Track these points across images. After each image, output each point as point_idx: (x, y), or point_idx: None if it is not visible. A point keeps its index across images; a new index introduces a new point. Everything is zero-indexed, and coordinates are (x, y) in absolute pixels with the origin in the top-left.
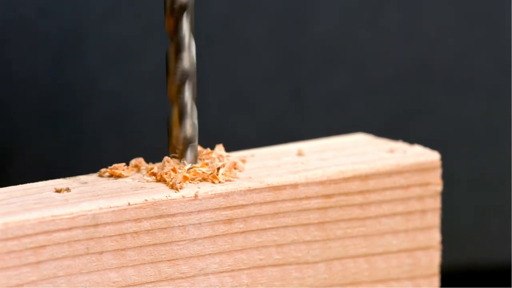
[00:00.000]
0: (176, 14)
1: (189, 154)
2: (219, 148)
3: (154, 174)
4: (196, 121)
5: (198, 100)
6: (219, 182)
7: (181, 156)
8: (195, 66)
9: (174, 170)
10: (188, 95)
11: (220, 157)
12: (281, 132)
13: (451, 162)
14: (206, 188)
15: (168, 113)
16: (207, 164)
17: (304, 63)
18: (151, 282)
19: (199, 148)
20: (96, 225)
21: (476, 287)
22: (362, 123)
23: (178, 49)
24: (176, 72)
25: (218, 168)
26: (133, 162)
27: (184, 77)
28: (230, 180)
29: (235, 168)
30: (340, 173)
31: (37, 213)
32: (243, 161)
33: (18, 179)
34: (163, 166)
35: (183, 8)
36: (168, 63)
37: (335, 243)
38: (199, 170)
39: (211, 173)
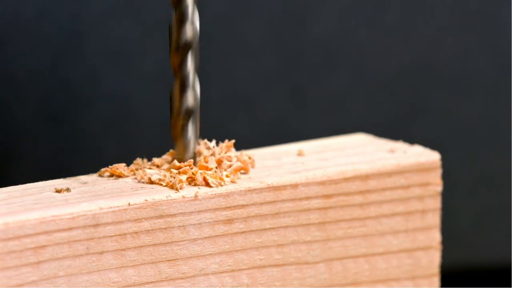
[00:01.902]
0: (181, 51)
1: (190, 127)
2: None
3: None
4: (198, 93)
5: None
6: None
7: (182, 130)
8: (199, 103)
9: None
10: (190, 65)
11: (228, 158)
12: (281, 132)
13: (451, 162)
14: (206, 189)
15: (171, 84)
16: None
17: (304, 63)
18: (151, 282)
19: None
20: (96, 225)
21: (476, 287)
22: (362, 123)
23: (183, 86)
24: (181, 109)
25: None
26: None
27: (189, 114)
28: (234, 182)
29: (245, 170)
30: (341, 173)
31: (37, 213)
32: (250, 158)
33: (19, 179)
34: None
35: (188, 46)
36: (173, 101)
37: (335, 243)
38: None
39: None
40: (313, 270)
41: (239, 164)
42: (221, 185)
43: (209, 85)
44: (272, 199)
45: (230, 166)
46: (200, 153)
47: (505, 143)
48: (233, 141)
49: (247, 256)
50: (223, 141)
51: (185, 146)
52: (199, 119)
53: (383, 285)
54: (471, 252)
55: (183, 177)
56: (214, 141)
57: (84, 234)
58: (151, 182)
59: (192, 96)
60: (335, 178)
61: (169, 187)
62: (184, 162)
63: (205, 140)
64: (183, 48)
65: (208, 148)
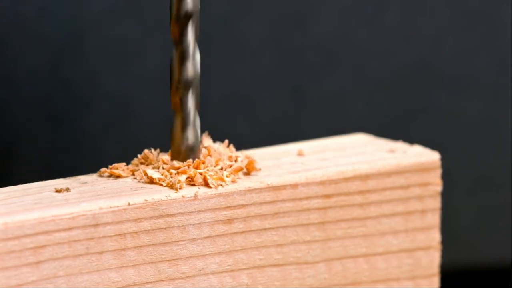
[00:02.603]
0: (182, 22)
1: (190, 98)
2: (228, 148)
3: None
4: (198, 130)
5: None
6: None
7: (181, 100)
8: (199, 74)
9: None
10: (191, 103)
11: (230, 158)
12: (281, 132)
13: (451, 162)
14: (206, 188)
15: (171, 121)
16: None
17: (304, 63)
18: (151, 282)
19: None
20: (96, 225)
21: (476, 287)
22: (362, 123)
23: (183, 57)
24: (180, 80)
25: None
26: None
27: (188, 85)
28: (234, 182)
29: (249, 170)
30: (340, 173)
31: (37, 213)
32: (249, 157)
33: (18, 179)
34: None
35: (188, 16)
36: (172, 71)
37: (335, 243)
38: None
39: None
40: (313, 270)
41: (239, 164)
42: (221, 186)
43: (209, 85)
44: (272, 199)
45: (230, 166)
46: (201, 152)
47: (505, 143)
48: (226, 141)
49: (247, 256)
50: (223, 141)
51: (185, 118)
52: (199, 92)
53: (383, 285)
54: (471, 252)
55: (182, 177)
56: (218, 143)
57: (84, 234)
58: (151, 182)
59: (192, 66)
60: (335, 178)
61: (169, 187)
62: (183, 139)
63: (206, 132)
64: (184, 19)
65: (209, 147)
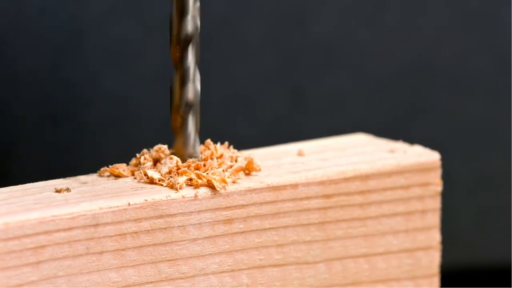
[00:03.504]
0: (182, 45)
1: (190, 121)
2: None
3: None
4: (198, 87)
5: None
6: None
7: (182, 124)
8: (199, 98)
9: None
10: (191, 126)
11: (231, 158)
12: (281, 132)
13: (451, 162)
14: (206, 189)
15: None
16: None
17: (304, 63)
18: (151, 282)
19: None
20: (96, 225)
21: (476, 287)
22: (362, 123)
23: (183, 80)
24: (181, 104)
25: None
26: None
27: (189, 108)
28: (236, 182)
29: (249, 170)
30: (340, 173)
31: (37, 213)
32: (249, 157)
33: (18, 179)
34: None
35: (188, 39)
36: (173, 95)
37: (335, 243)
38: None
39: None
40: (313, 270)
41: (240, 164)
42: (224, 189)
43: (209, 85)
44: (272, 199)
45: (231, 166)
46: (202, 153)
47: (505, 143)
48: (226, 142)
49: (247, 256)
50: (223, 141)
51: (185, 140)
52: (199, 114)
53: (383, 285)
54: (471, 252)
55: (183, 178)
56: (219, 144)
57: (84, 234)
58: (151, 182)
59: (193, 90)
60: (335, 178)
61: (169, 187)
62: (183, 157)
63: (209, 140)
64: (184, 41)
65: (210, 148)
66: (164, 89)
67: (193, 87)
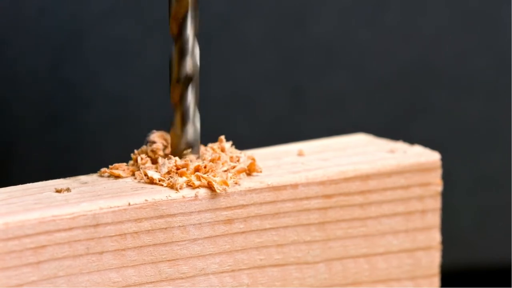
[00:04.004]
0: (182, 85)
1: (189, 95)
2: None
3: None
4: (198, 126)
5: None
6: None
7: (181, 96)
8: (199, 137)
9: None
10: (190, 31)
11: (231, 158)
12: (281, 132)
13: (452, 162)
14: (206, 189)
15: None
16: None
17: (304, 63)
18: (151, 282)
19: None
20: (96, 225)
21: (476, 287)
22: (362, 123)
23: (184, 120)
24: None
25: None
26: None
27: (189, 147)
28: (237, 183)
29: (250, 170)
30: (341, 173)
31: (37, 213)
32: (252, 158)
33: (19, 179)
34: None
35: (188, 79)
36: (172, 67)
37: (335, 243)
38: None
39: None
40: (313, 270)
41: (242, 166)
42: (225, 191)
43: (209, 85)
44: (272, 199)
45: (233, 167)
46: (203, 154)
47: (505, 143)
48: (230, 142)
49: (247, 256)
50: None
51: (184, 114)
52: (199, 88)
53: (383, 285)
54: (471, 252)
55: (183, 179)
56: (224, 143)
57: (84, 234)
58: (151, 182)
59: (193, 130)
60: (335, 178)
61: (169, 187)
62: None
63: (211, 145)
64: (184, 82)
65: (212, 148)
66: (164, 89)
67: (192, 60)
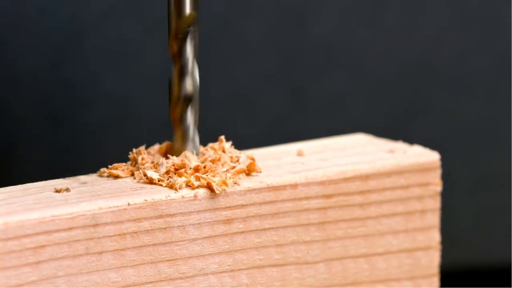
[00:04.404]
0: (182, 103)
1: (189, 115)
2: (229, 147)
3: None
4: (197, 79)
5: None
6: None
7: (181, 116)
8: (198, 90)
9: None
10: (190, 52)
11: (231, 158)
12: (281, 132)
13: (451, 162)
14: (205, 189)
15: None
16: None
17: (304, 63)
18: (150, 282)
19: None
20: (95, 225)
21: (476, 287)
22: (362, 123)
23: (182, 73)
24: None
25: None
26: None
27: (188, 100)
28: (237, 183)
29: (250, 170)
30: (340, 173)
31: (37, 213)
32: (252, 158)
33: (18, 179)
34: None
35: (188, 99)
36: (172, 87)
37: (335, 243)
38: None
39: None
40: (313, 270)
41: (241, 166)
42: (224, 192)
43: (209, 85)
44: (271, 199)
45: (233, 167)
46: (202, 154)
47: (505, 143)
48: (230, 142)
49: (246, 256)
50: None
51: (184, 133)
52: (198, 107)
53: (382, 285)
54: (471, 252)
55: (183, 179)
56: (223, 143)
57: (84, 234)
58: (150, 182)
59: (191, 83)
60: (335, 178)
61: (168, 187)
62: (181, 154)
63: (212, 145)
64: (184, 100)
65: (213, 148)
66: (164, 89)
67: (192, 80)
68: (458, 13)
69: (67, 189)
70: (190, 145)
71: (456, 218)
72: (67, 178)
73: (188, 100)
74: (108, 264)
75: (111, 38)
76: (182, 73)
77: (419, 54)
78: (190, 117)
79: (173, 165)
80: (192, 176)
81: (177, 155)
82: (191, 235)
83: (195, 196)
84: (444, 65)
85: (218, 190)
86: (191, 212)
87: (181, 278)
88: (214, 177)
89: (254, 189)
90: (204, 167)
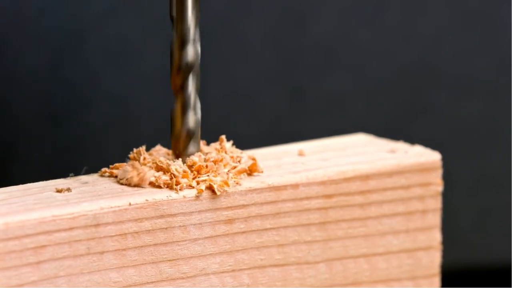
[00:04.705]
0: (183, 72)
1: (191, 147)
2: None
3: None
4: (199, 115)
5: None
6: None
7: (183, 149)
8: (200, 124)
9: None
10: (191, 87)
11: (232, 158)
12: (281, 132)
13: (452, 162)
14: (206, 189)
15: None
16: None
17: (304, 63)
18: (152, 282)
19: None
20: (97, 225)
21: (476, 287)
22: (362, 123)
23: (184, 107)
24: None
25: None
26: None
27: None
28: (238, 184)
29: (251, 170)
30: (341, 173)
31: (38, 213)
32: (253, 159)
33: (19, 179)
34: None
35: (189, 67)
36: (174, 121)
37: (336, 243)
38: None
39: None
40: (314, 270)
41: (243, 166)
42: (225, 192)
43: (209, 85)
44: (272, 199)
45: (234, 167)
46: (206, 154)
47: (505, 143)
48: (231, 141)
49: (247, 256)
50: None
51: (185, 102)
52: (200, 134)
53: (383, 285)
54: (471, 252)
55: (184, 180)
56: (224, 142)
57: (85, 234)
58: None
59: (194, 118)
60: (335, 178)
61: (169, 187)
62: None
63: (213, 145)
64: (185, 69)
65: (215, 149)
66: (164, 89)
67: (194, 49)
68: (458, 13)
69: (68, 189)
70: (191, 114)
71: (456, 218)
72: (68, 178)
73: (189, 68)
74: (109, 264)
75: (111, 38)
76: (183, 42)
77: (419, 54)
78: (191, 85)
79: (176, 166)
80: (193, 180)
81: (178, 124)
82: (192, 235)
83: (197, 196)
84: (444, 65)
85: (219, 191)
86: (193, 212)
87: (182, 278)
88: (215, 177)
89: (255, 189)
90: (206, 166)
